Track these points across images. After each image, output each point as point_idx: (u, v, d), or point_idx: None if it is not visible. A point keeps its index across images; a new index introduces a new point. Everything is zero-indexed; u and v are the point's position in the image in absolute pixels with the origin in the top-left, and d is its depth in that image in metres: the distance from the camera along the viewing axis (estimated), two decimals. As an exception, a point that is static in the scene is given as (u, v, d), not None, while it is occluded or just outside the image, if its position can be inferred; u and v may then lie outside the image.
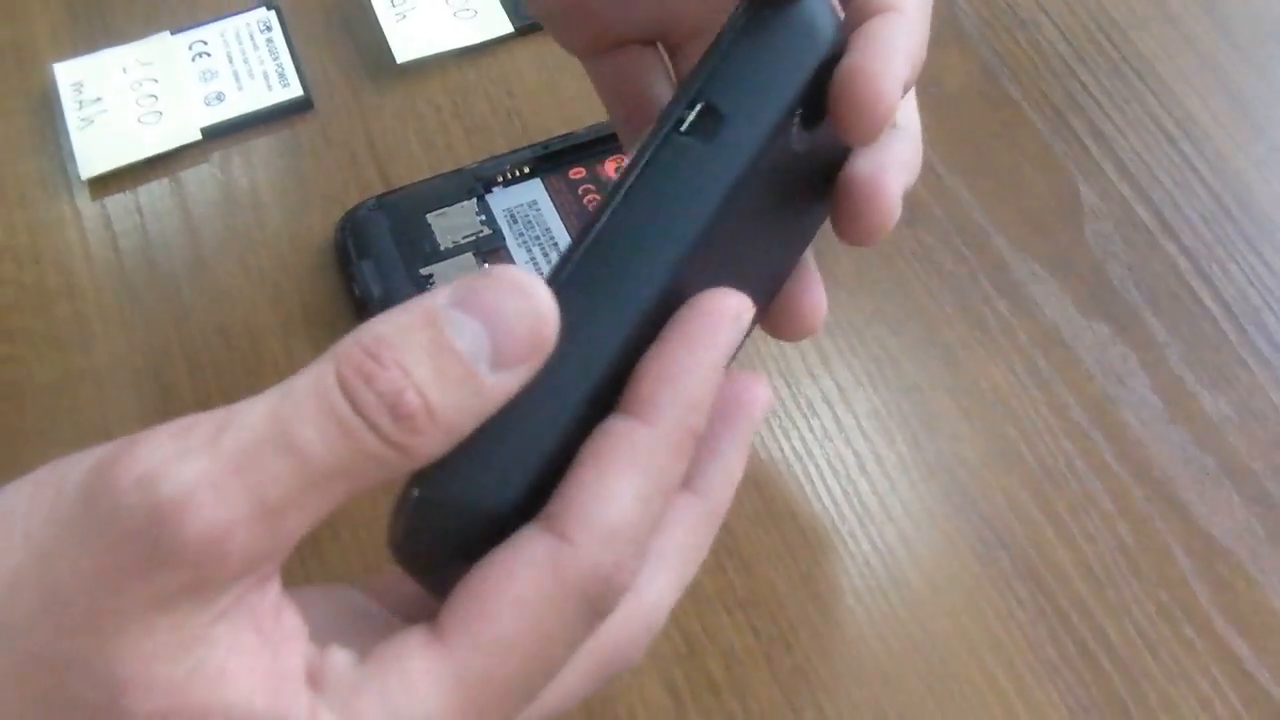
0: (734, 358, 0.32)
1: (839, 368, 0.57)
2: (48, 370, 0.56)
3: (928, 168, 0.63)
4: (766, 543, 0.52)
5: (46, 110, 0.64)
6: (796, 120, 0.33)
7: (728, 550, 0.52)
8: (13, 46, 0.67)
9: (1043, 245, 0.61)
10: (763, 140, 0.32)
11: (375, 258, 0.57)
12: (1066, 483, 0.54)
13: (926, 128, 0.64)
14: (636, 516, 0.28)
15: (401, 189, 0.60)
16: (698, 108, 0.32)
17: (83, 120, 0.63)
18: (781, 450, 0.55)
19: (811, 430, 0.55)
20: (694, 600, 0.50)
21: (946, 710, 0.49)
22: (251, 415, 0.26)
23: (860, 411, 0.56)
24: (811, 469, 0.54)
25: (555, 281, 0.29)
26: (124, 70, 0.65)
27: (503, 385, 0.27)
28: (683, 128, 0.32)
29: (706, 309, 0.31)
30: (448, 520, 0.29)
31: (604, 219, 0.31)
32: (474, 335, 0.27)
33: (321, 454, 0.25)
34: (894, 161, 0.37)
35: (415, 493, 0.28)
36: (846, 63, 0.33)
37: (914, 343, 0.58)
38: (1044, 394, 0.57)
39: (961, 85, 0.66)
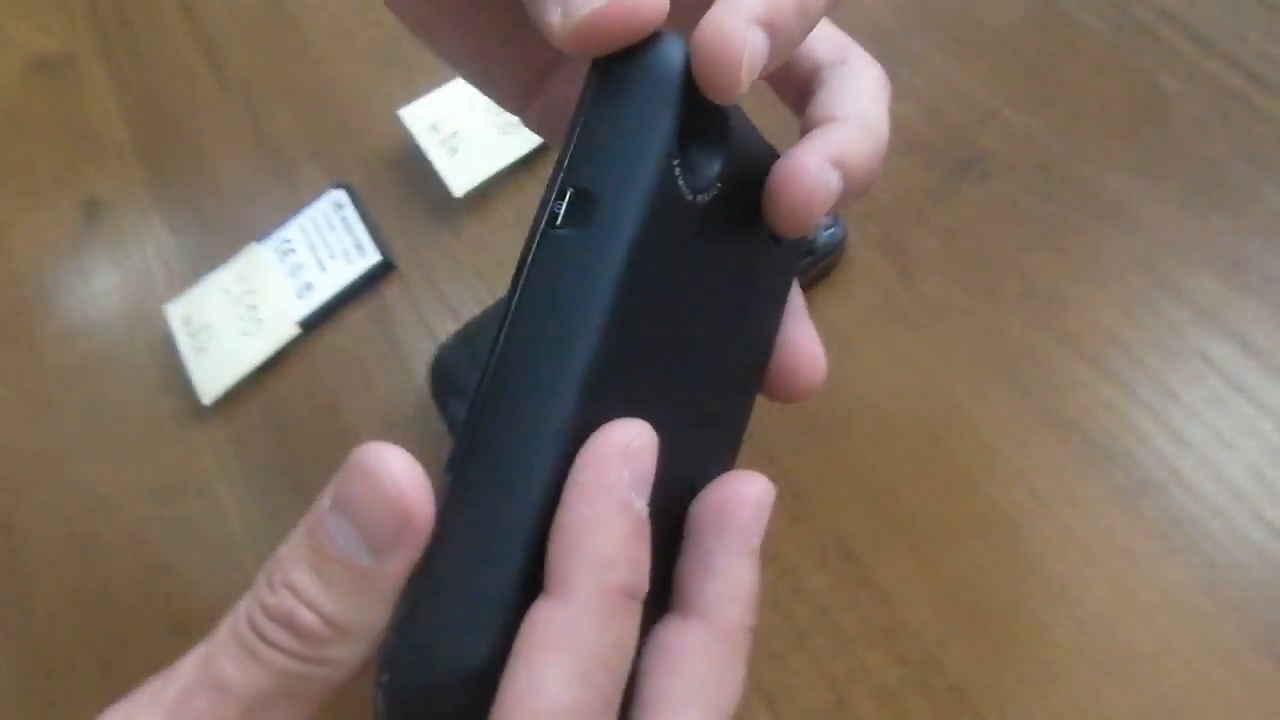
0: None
1: (927, 359, 0.53)
2: (205, 597, 0.59)
3: (992, 116, 0.59)
4: (898, 562, 0.49)
5: (166, 348, 0.68)
6: (678, 170, 0.30)
7: (859, 581, 0.49)
8: (136, 298, 0.71)
9: (1132, 153, 0.56)
10: (644, 209, 0.29)
11: (462, 394, 0.58)
12: (1215, 404, 0.49)
13: (978, 75, 0.60)
14: (573, 699, 0.26)
15: (476, 319, 0.61)
16: (568, 195, 0.29)
17: (196, 349, 0.67)
18: (891, 456, 0.51)
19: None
20: (834, 644, 0.48)
21: (1126, 690, 0.44)
22: (187, 664, 0.27)
23: (960, 393, 0.52)
24: (927, 472, 0.51)
25: (468, 423, 0.28)
26: (224, 291, 0.69)
27: (390, 567, 0.27)
28: (557, 222, 0.28)
29: (593, 449, 0.28)
30: (419, 700, 0.27)
31: (499, 345, 0.28)
32: (345, 533, 0.27)
33: (244, 683, 0.26)
34: (820, 142, 0.33)
35: (383, 679, 0.27)
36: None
37: (1016, 303, 0.54)
38: (1163, 320, 0.51)
39: (1008, 19, 0.62)
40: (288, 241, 0.69)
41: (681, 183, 0.30)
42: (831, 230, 0.57)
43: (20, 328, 0.74)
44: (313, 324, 0.66)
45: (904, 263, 0.56)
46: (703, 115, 0.30)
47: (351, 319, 0.66)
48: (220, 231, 0.72)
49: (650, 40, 0.30)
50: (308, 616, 0.26)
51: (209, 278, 0.70)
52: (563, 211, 0.29)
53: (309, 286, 0.67)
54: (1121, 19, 0.60)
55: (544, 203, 0.29)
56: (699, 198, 0.30)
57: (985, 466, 0.50)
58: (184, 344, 0.67)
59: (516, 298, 0.28)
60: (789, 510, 0.51)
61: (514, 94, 0.42)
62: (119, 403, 0.68)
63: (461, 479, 0.28)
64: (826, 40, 0.37)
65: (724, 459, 0.34)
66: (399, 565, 0.27)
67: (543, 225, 0.29)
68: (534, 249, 0.28)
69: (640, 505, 0.28)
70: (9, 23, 0.91)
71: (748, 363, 0.35)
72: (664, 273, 0.29)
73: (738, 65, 0.29)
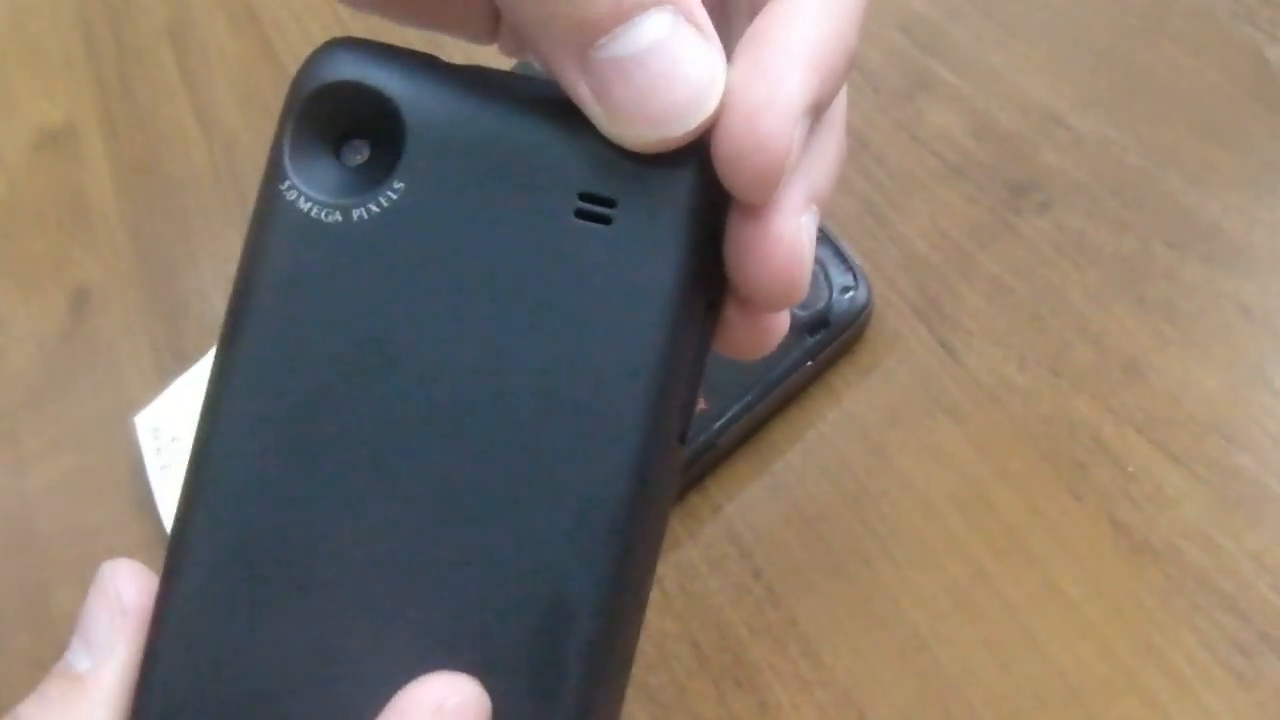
0: None
1: (974, 463, 0.41)
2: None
3: (1053, 121, 0.46)
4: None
5: (135, 468, 0.60)
6: (290, 191, 0.26)
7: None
8: (112, 408, 0.63)
9: (1229, 159, 0.42)
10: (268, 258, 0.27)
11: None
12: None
13: (1037, 69, 0.47)
14: None
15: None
16: None
17: (163, 468, 0.58)
18: (925, 597, 0.39)
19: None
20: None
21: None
22: None
23: (1014, 509, 0.39)
24: (970, 619, 0.38)
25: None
26: (197, 395, 0.60)
27: (103, 672, 0.26)
28: None
29: None
30: None
31: None
32: (73, 648, 0.27)
33: None
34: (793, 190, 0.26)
35: None
36: None
37: (1086, 379, 0.41)
38: (1270, 391, 0.38)
39: (1073, -10, 0.48)
40: (262, 332, 0.60)
41: (307, 205, 0.26)
42: (851, 294, 0.45)
43: (8, 441, 0.67)
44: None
45: (945, 330, 0.44)
46: (356, 114, 0.26)
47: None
48: (197, 335, 0.64)
49: None
50: None
51: (180, 380, 0.61)
52: None
53: (280, 386, 0.58)
54: (1218, -22, 0.46)
55: None
56: (363, 212, 0.25)
57: (1048, 615, 0.37)
58: (150, 461, 0.59)
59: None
60: (799, 674, 0.39)
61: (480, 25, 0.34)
62: (92, 530, 0.60)
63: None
64: None
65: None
66: (114, 666, 0.26)
67: None
68: None
69: None
70: (18, 86, 0.85)
71: (600, 412, 0.25)
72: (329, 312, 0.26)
73: (778, 170, 0.24)
